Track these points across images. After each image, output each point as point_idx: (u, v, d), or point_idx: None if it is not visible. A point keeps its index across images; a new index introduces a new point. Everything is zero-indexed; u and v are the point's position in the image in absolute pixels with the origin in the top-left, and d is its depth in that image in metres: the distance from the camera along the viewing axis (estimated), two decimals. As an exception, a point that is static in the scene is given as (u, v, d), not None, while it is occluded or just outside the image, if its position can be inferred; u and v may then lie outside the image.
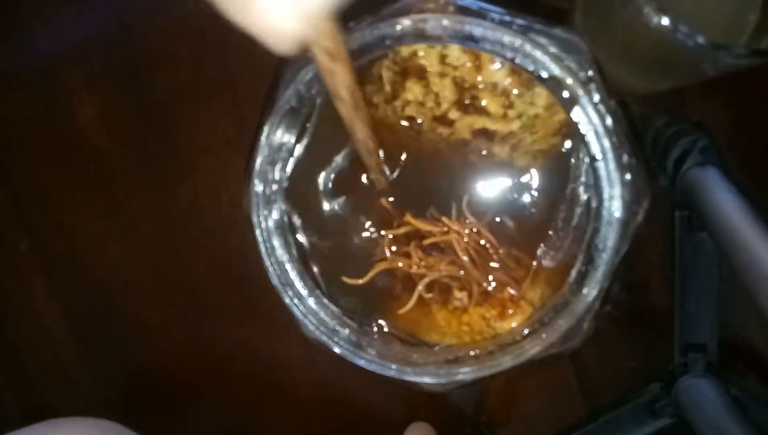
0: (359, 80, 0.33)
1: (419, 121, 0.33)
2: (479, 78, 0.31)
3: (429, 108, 0.32)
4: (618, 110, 0.29)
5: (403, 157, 0.33)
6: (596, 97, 0.29)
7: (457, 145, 0.32)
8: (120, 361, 0.45)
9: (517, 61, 0.29)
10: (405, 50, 0.31)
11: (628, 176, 0.29)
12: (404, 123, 0.33)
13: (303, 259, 0.34)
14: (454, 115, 0.32)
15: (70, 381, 0.45)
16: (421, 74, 0.32)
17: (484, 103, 0.31)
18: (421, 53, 0.31)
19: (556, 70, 0.29)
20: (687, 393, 0.38)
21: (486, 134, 0.32)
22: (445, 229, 0.33)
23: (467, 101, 0.32)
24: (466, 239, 0.33)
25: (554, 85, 0.29)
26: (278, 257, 0.33)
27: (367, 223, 0.34)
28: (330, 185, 0.34)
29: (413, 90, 0.32)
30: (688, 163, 0.35)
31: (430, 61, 0.31)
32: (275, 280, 0.33)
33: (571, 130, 0.30)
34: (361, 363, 0.32)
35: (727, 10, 0.29)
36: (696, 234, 0.37)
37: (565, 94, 0.29)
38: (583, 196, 0.33)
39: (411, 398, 0.44)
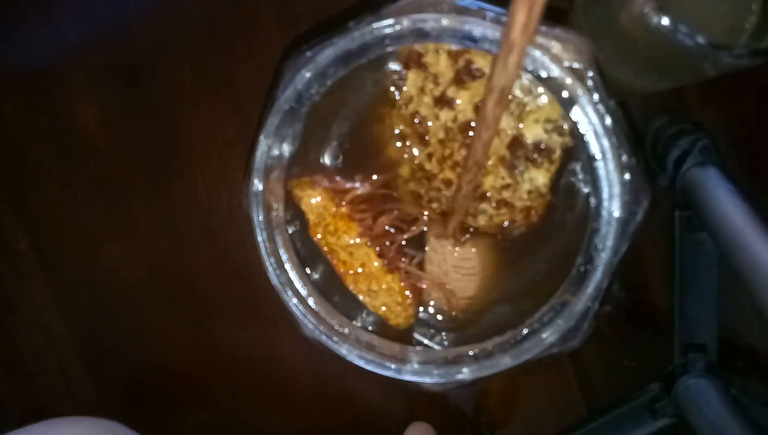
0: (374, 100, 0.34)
1: (423, 114, 0.33)
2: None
3: (430, 90, 0.32)
4: (618, 110, 0.29)
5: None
6: (596, 97, 0.29)
7: (463, 130, 0.32)
8: (120, 361, 0.45)
9: (517, 61, 0.29)
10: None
11: (627, 176, 0.29)
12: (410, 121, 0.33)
13: (303, 259, 0.34)
14: (452, 92, 0.32)
15: (70, 381, 0.45)
16: (419, 61, 0.32)
17: (478, 66, 0.31)
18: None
19: (556, 71, 0.29)
20: (687, 393, 0.38)
21: None
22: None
23: (461, 65, 0.32)
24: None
25: (554, 85, 0.29)
26: (278, 257, 0.33)
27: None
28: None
29: (414, 80, 0.32)
30: (688, 163, 0.35)
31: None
32: (275, 280, 0.33)
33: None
34: (361, 363, 0.32)
35: (727, 10, 0.29)
36: (696, 234, 0.37)
37: (565, 94, 0.29)
38: (584, 190, 0.33)
39: (411, 398, 0.44)
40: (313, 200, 0.33)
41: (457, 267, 0.34)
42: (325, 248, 0.33)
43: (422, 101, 0.33)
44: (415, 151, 0.34)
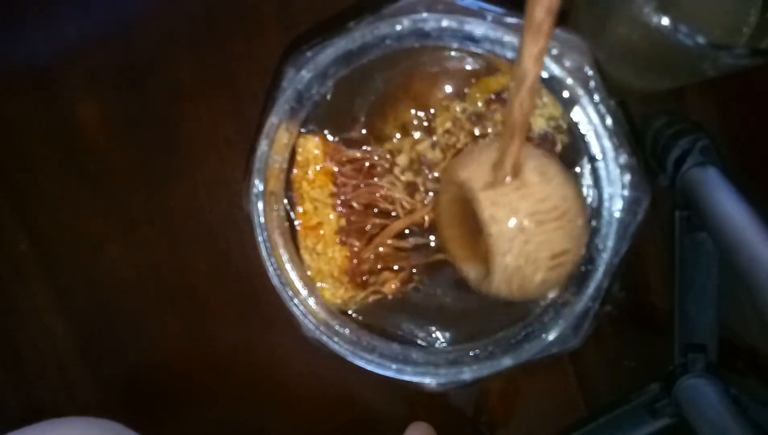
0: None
1: (431, 110, 0.33)
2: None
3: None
4: (618, 110, 0.29)
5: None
6: (596, 97, 0.29)
7: (470, 120, 0.33)
8: (120, 361, 0.45)
9: (517, 61, 0.29)
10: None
11: (628, 176, 0.29)
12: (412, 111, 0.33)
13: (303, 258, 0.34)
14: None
15: (70, 381, 0.45)
16: None
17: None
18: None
19: (556, 70, 0.29)
20: (687, 393, 0.38)
21: (500, 99, 0.32)
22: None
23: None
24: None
25: (554, 85, 0.29)
26: (278, 257, 0.33)
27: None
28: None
29: None
30: (688, 163, 0.35)
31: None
32: (275, 280, 0.33)
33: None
34: (361, 363, 0.32)
35: (727, 10, 0.29)
36: (696, 234, 0.37)
37: (565, 94, 0.29)
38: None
39: (411, 398, 0.44)
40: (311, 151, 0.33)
41: (534, 214, 0.27)
42: (294, 185, 0.34)
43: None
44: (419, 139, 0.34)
